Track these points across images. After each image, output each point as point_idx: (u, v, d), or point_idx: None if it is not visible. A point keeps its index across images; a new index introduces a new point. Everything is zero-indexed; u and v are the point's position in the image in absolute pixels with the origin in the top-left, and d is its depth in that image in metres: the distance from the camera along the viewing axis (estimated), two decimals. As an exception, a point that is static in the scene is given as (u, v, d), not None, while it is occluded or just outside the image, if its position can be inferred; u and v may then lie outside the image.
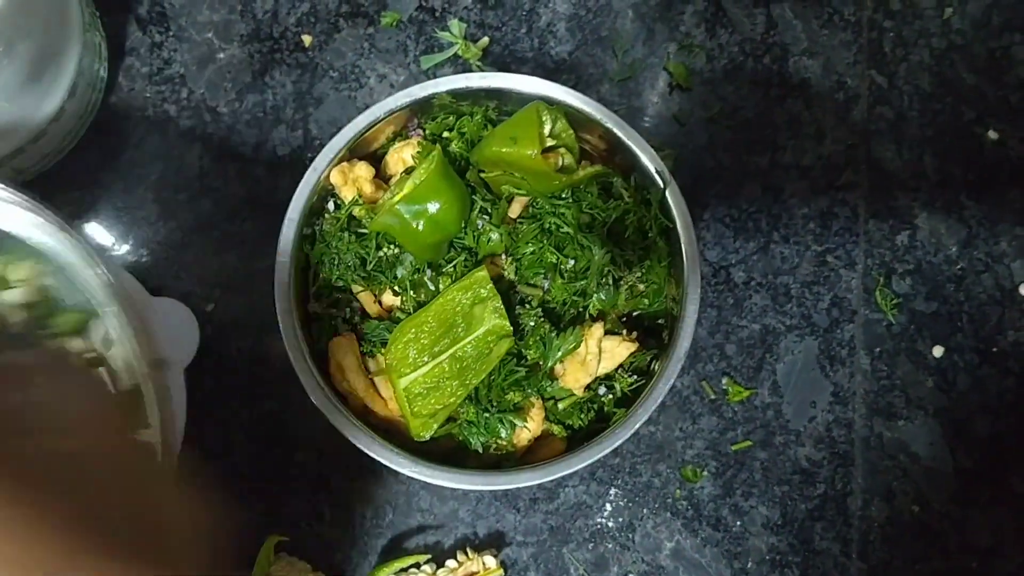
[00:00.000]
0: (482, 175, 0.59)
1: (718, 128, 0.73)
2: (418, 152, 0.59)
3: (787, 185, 0.72)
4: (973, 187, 0.73)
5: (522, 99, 0.59)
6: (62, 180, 0.71)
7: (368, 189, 0.59)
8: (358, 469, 0.68)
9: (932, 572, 0.68)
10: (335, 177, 0.58)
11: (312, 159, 0.67)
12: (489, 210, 0.58)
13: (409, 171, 0.59)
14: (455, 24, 0.74)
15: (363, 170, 0.59)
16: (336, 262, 0.58)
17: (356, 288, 0.59)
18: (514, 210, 0.59)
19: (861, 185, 0.73)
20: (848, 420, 0.70)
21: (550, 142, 0.58)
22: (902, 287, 0.72)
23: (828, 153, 0.73)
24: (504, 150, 0.56)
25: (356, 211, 0.58)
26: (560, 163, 0.58)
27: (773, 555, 0.68)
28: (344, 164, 0.59)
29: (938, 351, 0.71)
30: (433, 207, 0.55)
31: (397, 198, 0.55)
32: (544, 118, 0.58)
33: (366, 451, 0.55)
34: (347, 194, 0.59)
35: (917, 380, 0.70)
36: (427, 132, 0.61)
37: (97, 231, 0.71)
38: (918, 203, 0.73)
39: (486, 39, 0.74)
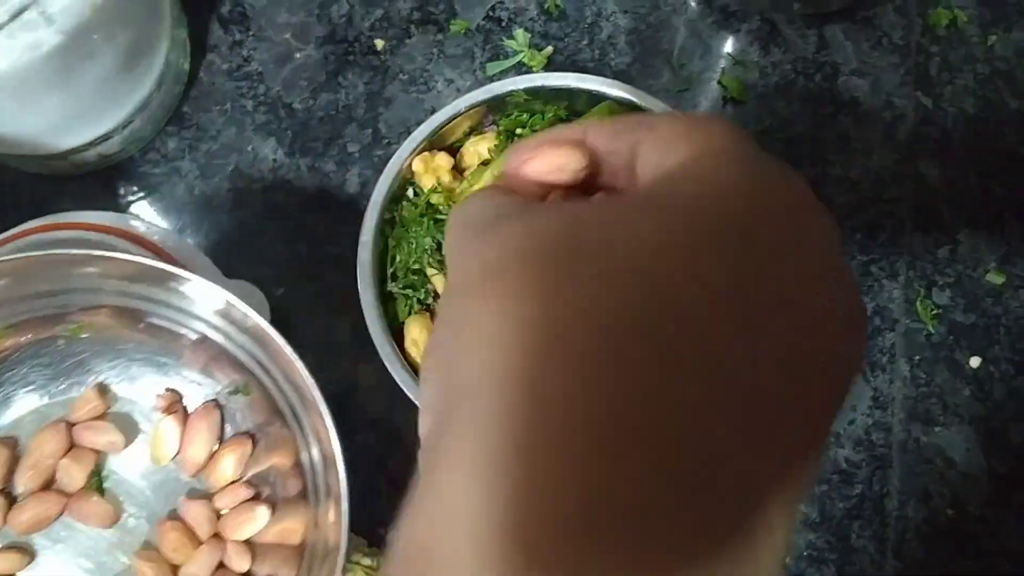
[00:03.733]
0: None
1: (770, 141, 0.76)
2: (495, 145, 0.63)
3: (835, 197, 0.75)
4: (1014, 206, 0.76)
5: (591, 99, 0.63)
6: (144, 166, 0.75)
7: (447, 178, 0.62)
8: (414, 451, 0.70)
9: (965, 573, 0.71)
10: (417, 165, 0.62)
11: (381, 156, 0.71)
12: (559, 202, 0.62)
13: (486, 163, 0.62)
14: (520, 33, 0.77)
15: (443, 160, 0.62)
16: (414, 245, 0.61)
17: (430, 271, 0.62)
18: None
19: (906, 200, 0.76)
20: (887, 424, 0.72)
21: (617, 141, 0.61)
22: (942, 299, 0.74)
23: (875, 168, 0.76)
24: None
25: (434, 198, 0.62)
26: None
27: (811, 551, 0.71)
28: (425, 154, 0.62)
29: (975, 361, 0.73)
30: (510, 196, 0.59)
31: (477, 186, 0.59)
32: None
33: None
34: (427, 182, 0.62)
35: (954, 388, 0.73)
36: (502, 128, 0.65)
37: (176, 215, 0.74)
38: (960, 219, 0.76)
39: (550, 48, 0.77)
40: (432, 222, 0.61)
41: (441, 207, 0.61)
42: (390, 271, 0.62)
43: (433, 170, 0.62)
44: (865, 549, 0.71)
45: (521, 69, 0.77)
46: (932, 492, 0.72)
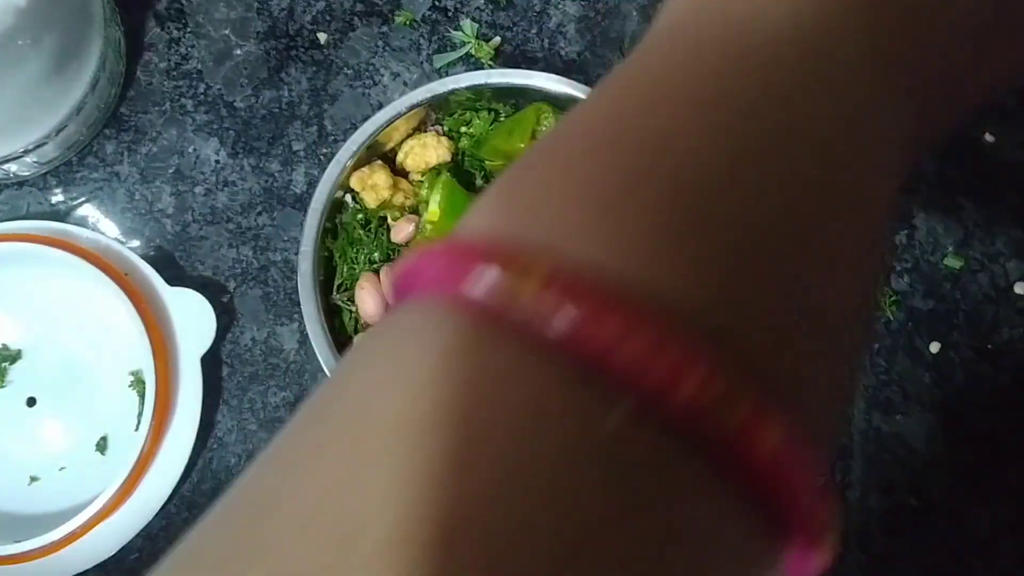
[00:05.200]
0: (487, 164, 0.62)
1: (724, 129, 0.75)
2: (428, 174, 0.61)
3: (791, 185, 0.74)
4: (971, 189, 0.75)
5: (540, 96, 0.61)
6: (82, 171, 0.73)
7: (386, 194, 0.60)
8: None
9: (931, 562, 0.70)
10: (354, 182, 0.60)
11: (327, 154, 0.69)
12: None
13: (436, 170, 0.61)
14: (467, 24, 0.75)
15: (381, 177, 0.60)
16: (358, 256, 0.59)
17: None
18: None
19: (862, 185, 0.75)
20: (847, 414, 0.72)
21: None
22: (900, 285, 0.74)
23: (831, 154, 0.75)
24: (501, 142, 0.59)
25: (376, 211, 0.60)
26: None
27: (774, 545, 0.70)
28: (364, 170, 0.60)
29: (935, 347, 0.73)
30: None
31: (422, 236, 0.58)
32: (543, 117, 0.60)
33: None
34: (367, 198, 0.60)
35: (915, 375, 0.72)
36: (445, 128, 0.63)
37: (117, 221, 0.72)
38: (917, 204, 0.75)
39: (498, 39, 0.75)
40: (375, 235, 0.59)
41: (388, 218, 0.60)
42: (337, 283, 0.60)
43: (372, 187, 0.60)
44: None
45: (469, 60, 0.75)
46: (894, 481, 0.71)
